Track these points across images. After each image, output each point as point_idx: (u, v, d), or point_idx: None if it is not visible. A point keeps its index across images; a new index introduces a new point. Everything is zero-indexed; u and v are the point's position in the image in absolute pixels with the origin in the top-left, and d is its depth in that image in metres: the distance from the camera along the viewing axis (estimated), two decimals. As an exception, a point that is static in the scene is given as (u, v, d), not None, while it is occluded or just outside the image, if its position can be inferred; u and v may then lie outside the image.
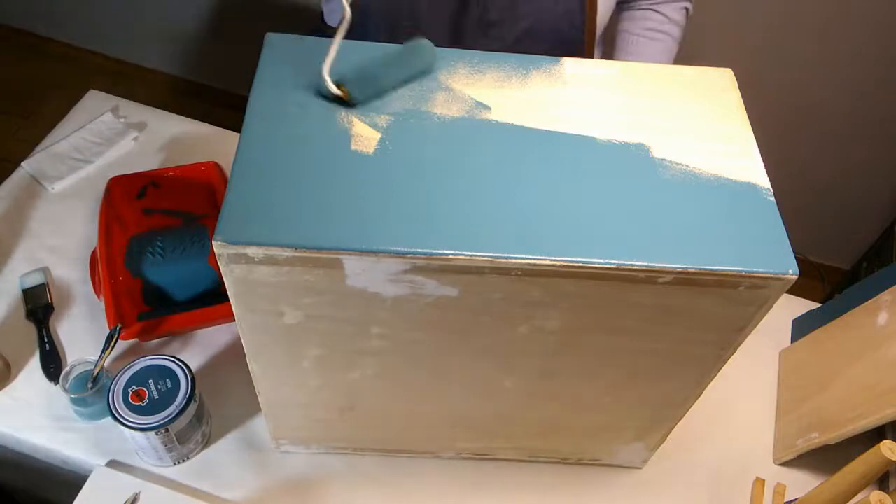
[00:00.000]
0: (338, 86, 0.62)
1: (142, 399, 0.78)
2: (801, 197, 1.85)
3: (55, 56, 2.31)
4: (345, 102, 0.63)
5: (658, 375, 0.70)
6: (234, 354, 0.94)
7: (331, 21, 1.04)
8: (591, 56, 1.02)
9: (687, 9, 1.04)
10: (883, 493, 0.66)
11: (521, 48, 0.94)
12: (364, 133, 0.61)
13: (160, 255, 0.97)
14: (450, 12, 0.93)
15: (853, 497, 0.73)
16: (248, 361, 0.69)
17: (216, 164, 1.08)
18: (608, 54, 1.11)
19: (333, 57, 0.62)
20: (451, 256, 0.55)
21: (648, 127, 0.65)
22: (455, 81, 0.66)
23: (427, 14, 0.93)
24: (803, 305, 1.06)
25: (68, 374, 0.84)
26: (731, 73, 0.71)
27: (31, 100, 2.18)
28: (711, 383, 0.71)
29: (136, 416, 0.77)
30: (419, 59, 0.66)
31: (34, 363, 0.91)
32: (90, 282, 0.97)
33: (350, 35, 0.64)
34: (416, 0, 0.93)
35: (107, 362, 0.86)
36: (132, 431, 0.77)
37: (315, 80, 0.63)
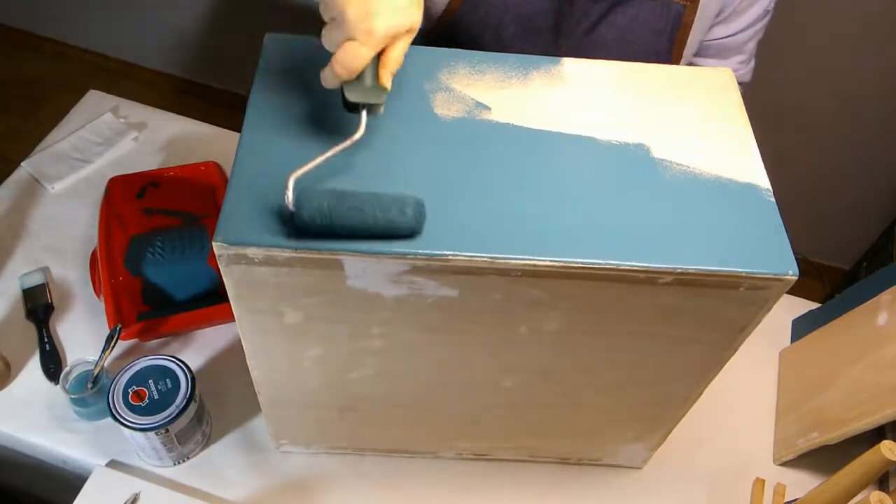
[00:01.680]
0: (295, 200, 0.53)
1: (142, 399, 0.78)
2: (801, 197, 1.85)
3: (55, 56, 2.31)
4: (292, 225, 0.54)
5: (658, 376, 0.70)
6: (234, 354, 0.94)
7: None
8: None
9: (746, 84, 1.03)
10: (883, 493, 0.66)
11: None
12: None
13: (160, 255, 0.97)
14: (541, 42, 0.93)
15: (853, 497, 0.73)
16: (247, 362, 0.69)
17: (216, 164, 1.08)
18: None
19: (309, 168, 0.54)
20: (450, 257, 0.55)
21: (648, 127, 0.65)
22: (455, 81, 0.66)
23: (514, 39, 0.92)
24: (803, 305, 1.06)
25: (68, 374, 0.84)
26: (731, 72, 0.71)
27: (31, 100, 2.18)
28: (711, 383, 0.71)
29: (136, 416, 0.77)
30: (400, 214, 0.53)
31: (34, 363, 0.91)
32: (90, 282, 0.97)
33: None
34: (506, 22, 0.91)
35: (107, 362, 0.86)
36: (132, 431, 0.77)
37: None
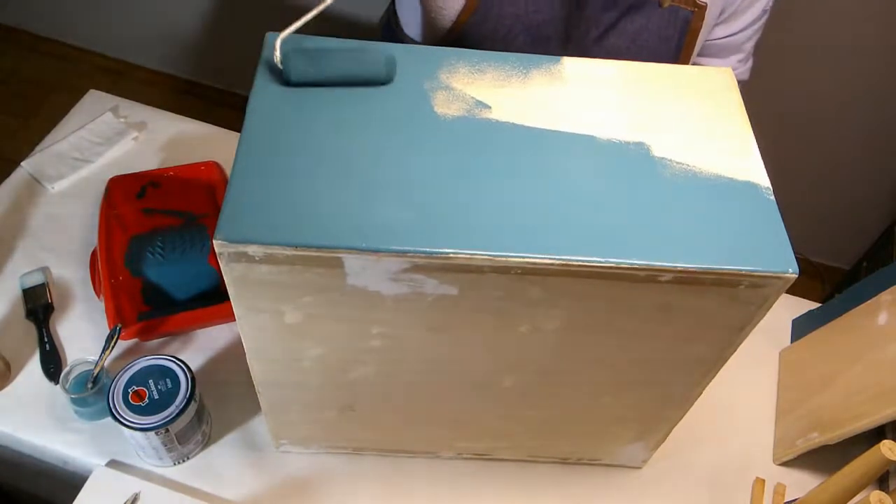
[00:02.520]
0: (282, 57, 0.62)
1: (142, 399, 0.78)
2: (801, 197, 1.85)
3: (55, 56, 2.31)
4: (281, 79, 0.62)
5: (658, 375, 0.70)
6: (234, 354, 0.94)
7: (409, 30, 1.03)
8: None
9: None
10: (883, 493, 0.66)
11: None
12: (364, 132, 0.61)
13: (160, 255, 0.97)
14: (550, 51, 0.92)
15: (853, 497, 0.73)
16: (248, 361, 0.69)
17: (216, 164, 1.08)
18: None
19: (293, 30, 0.62)
20: (451, 255, 0.55)
21: (648, 126, 0.65)
22: (455, 81, 0.66)
23: (523, 48, 0.92)
24: (803, 305, 1.07)
25: (68, 374, 0.84)
26: (731, 72, 0.71)
27: (31, 100, 2.18)
28: (711, 383, 0.71)
29: (136, 416, 0.77)
30: (373, 63, 0.63)
31: (34, 363, 0.91)
32: (90, 282, 0.97)
33: None
34: (515, 32, 0.92)
35: (107, 362, 0.86)
36: (132, 431, 0.77)
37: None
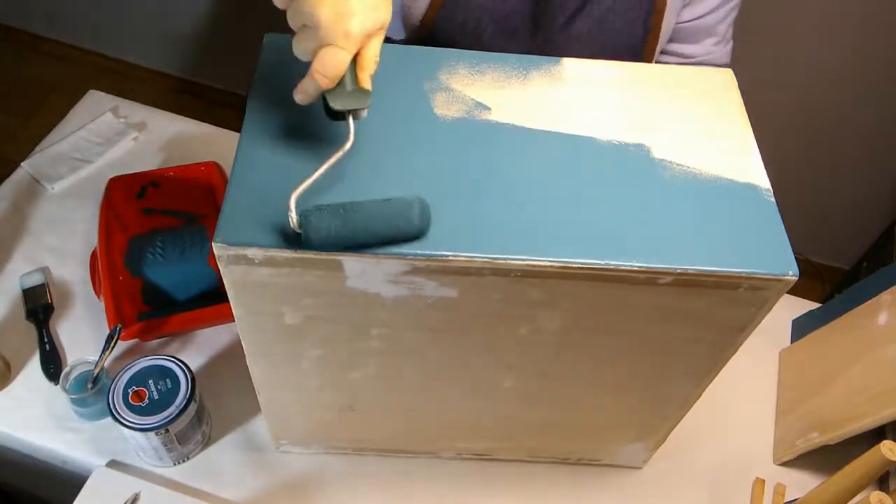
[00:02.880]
0: (300, 221, 0.52)
1: (142, 399, 0.78)
2: (801, 197, 1.85)
3: (55, 56, 2.31)
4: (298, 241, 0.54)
5: (658, 376, 0.70)
6: (234, 354, 0.94)
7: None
8: None
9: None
10: (883, 493, 0.66)
11: None
12: (364, 134, 0.61)
13: (160, 255, 0.97)
14: (519, 39, 0.94)
15: (853, 497, 0.73)
16: (248, 361, 0.69)
17: (216, 164, 1.08)
18: None
19: (306, 188, 0.54)
20: (450, 257, 0.55)
21: (648, 127, 0.65)
22: (455, 81, 0.66)
23: (492, 39, 0.93)
24: (803, 306, 1.06)
25: (68, 374, 0.84)
26: (731, 73, 0.71)
27: (31, 100, 2.18)
28: (711, 383, 0.71)
29: (136, 416, 0.77)
30: (406, 220, 0.53)
31: (34, 363, 0.91)
32: (90, 282, 0.97)
33: None
34: (484, 24, 0.92)
35: (107, 362, 0.86)
36: (132, 431, 0.77)
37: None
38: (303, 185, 0.53)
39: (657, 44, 0.94)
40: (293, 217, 0.52)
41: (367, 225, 0.52)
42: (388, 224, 0.53)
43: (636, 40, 0.93)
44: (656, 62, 1.00)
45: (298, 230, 0.52)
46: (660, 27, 0.93)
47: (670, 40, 0.99)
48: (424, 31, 0.94)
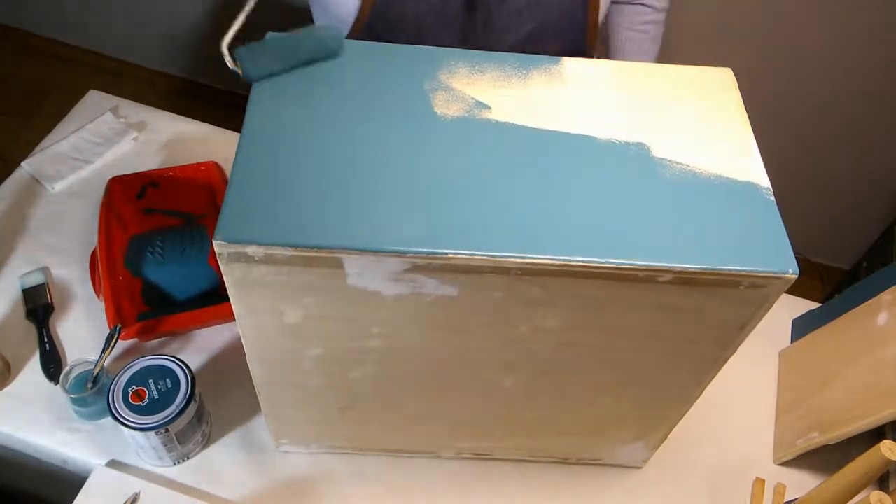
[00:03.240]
0: (234, 60, 0.62)
1: (142, 399, 0.78)
2: (801, 197, 1.85)
3: (55, 56, 2.31)
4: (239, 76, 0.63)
5: (658, 375, 0.70)
6: (234, 354, 0.94)
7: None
8: (591, 55, 1.03)
9: None
10: (883, 493, 0.66)
11: (527, 51, 0.94)
12: (364, 132, 0.62)
13: (160, 255, 0.97)
14: (457, 22, 0.94)
15: (853, 497, 0.73)
16: (248, 361, 0.69)
17: (216, 164, 1.08)
18: (601, 50, 1.12)
19: (234, 32, 0.63)
20: (451, 256, 0.55)
21: (648, 127, 0.65)
22: (455, 81, 0.66)
23: (433, 27, 0.94)
24: (803, 305, 1.07)
25: (68, 374, 0.84)
26: (731, 73, 0.71)
27: (31, 100, 2.18)
28: (711, 383, 0.71)
29: (136, 416, 0.77)
30: (320, 41, 0.66)
31: (34, 363, 0.91)
32: (90, 282, 0.97)
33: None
34: (422, 13, 0.93)
35: (107, 362, 0.86)
36: (132, 431, 0.77)
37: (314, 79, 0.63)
38: (230, 32, 0.62)
39: (599, 11, 0.95)
40: (228, 60, 0.61)
41: (289, 51, 0.64)
42: (306, 48, 0.65)
43: (577, 9, 0.94)
44: (608, 14, 1.03)
45: (235, 67, 0.62)
46: None
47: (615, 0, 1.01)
48: (361, 30, 0.95)
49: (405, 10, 0.92)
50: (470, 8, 0.93)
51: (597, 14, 0.96)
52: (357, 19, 0.93)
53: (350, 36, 0.96)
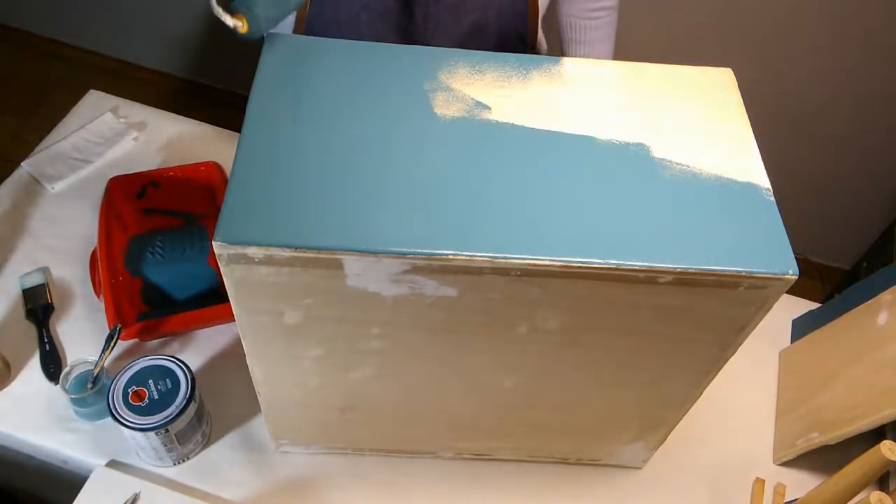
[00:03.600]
0: (233, 14, 0.60)
1: (142, 399, 0.78)
2: (801, 197, 1.85)
3: (55, 56, 2.31)
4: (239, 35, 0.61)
5: (658, 375, 0.70)
6: (234, 354, 0.94)
7: None
8: (534, 43, 1.01)
9: None
10: (883, 493, 0.66)
11: (470, 44, 0.93)
12: (364, 133, 0.61)
13: (160, 255, 0.97)
14: (395, 18, 0.93)
15: (853, 497, 0.73)
16: (248, 361, 0.69)
17: (216, 164, 1.08)
18: (552, 39, 1.09)
19: None
20: (450, 256, 0.55)
21: (648, 127, 0.65)
22: (455, 81, 0.66)
23: (369, 25, 0.93)
24: (803, 305, 1.06)
25: (68, 374, 0.84)
26: (731, 73, 0.71)
27: (31, 100, 2.18)
28: (711, 383, 0.71)
29: (136, 416, 0.77)
30: None
31: (34, 363, 0.91)
32: (90, 282, 0.97)
33: None
34: (355, 13, 0.92)
35: (107, 362, 0.86)
36: (132, 431, 0.77)
37: (314, 80, 0.63)
38: None
39: None
40: (226, 16, 0.58)
41: None
42: None
43: None
44: (557, 2, 1.01)
45: (235, 21, 0.59)
46: None
47: None
48: (303, 30, 0.94)
49: (338, 12, 0.91)
50: (405, 4, 0.92)
51: (536, 2, 0.94)
52: (295, 28, 0.94)
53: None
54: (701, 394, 0.73)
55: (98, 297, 0.94)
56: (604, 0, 1.03)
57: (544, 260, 0.55)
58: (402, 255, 0.55)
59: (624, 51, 1.06)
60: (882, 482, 0.89)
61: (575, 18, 1.04)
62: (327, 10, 0.92)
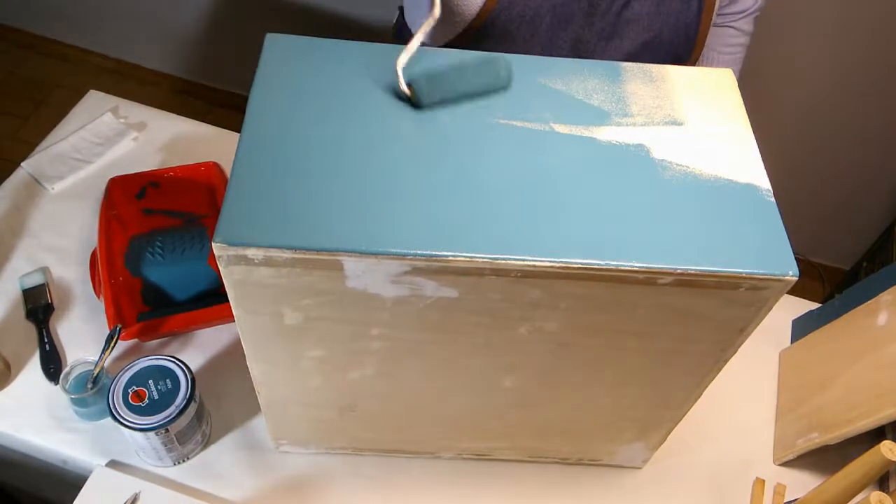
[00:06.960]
0: (408, 85, 0.63)
1: (142, 399, 0.78)
2: (801, 197, 1.85)
3: (55, 56, 2.31)
4: (410, 102, 0.64)
5: (658, 376, 0.70)
6: (234, 354, 0.94)
7: (416, 30, 1.04)
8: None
9: (756, 16, 1.08)
10: (883, 493, 0.66)
11: (637, 60, 0.96)
12: (363, 134, 0.61)
13: (160, 255, 0.97)
14: (574, 26, 0.95)
15: (853, 497, 0.73)
16: (247, 362, 0.69)
17: (216, 164, 1.08)
18: None
19: (410, 55, 0.63)
20: (451, 258, 0.55)
21: (648, 127, 0.65)
22: (455, 82, 0.66)
23: (549, 27, 0.95)
24: (803, 306, 1.07)
25: (68, 374, 0.84)
26: (731, 73, 0.71)
27: (31, 100, 2.18)
28: (711, 383, 0.71)
29: (136, 416, 0.77)
30: (493, 72, 0.64)
31: (34, 363, 0.91)
32: (90, 282, 0.97)
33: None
34: (543, 13, 0.94)
35: (107, 362, 0.86)
36: (132, 431, 0.77)
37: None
38: (408, 52, 0.63)
39: (712, 14, 0.96)
40: (402, 81, 0.62)
41: (464, 80, 0.64)
42: (482, 78, 0.64)
43: (691, 19, 0.95)
44: (713, 26, 1.03)
45: (408, 91, 0.63)
46: (713, 5, 0.95)
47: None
48: (475, 30, 0.95)
49: (525, 8, 0.93)
50: (589, 13, 0.94)
51: (707, 29, 0.97)
52: (477, 16, 0.94)
53: (461, 32, 0.97)
54: (701, 394, 0.73)
55: (98, 297, 0.94)
56: (740, 37, 1.07)
57: (544, 261, 0.55)
58: (403, 256, 0.55)
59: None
60: (882, 482, 0.89)
61: (711, 50, 1.08)
62: (514, 8, 0.93)
